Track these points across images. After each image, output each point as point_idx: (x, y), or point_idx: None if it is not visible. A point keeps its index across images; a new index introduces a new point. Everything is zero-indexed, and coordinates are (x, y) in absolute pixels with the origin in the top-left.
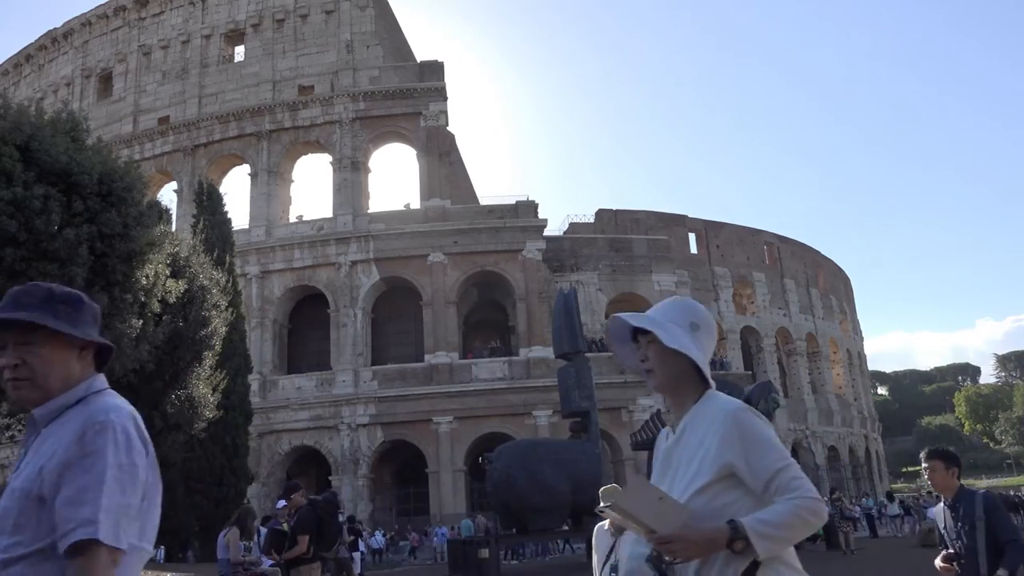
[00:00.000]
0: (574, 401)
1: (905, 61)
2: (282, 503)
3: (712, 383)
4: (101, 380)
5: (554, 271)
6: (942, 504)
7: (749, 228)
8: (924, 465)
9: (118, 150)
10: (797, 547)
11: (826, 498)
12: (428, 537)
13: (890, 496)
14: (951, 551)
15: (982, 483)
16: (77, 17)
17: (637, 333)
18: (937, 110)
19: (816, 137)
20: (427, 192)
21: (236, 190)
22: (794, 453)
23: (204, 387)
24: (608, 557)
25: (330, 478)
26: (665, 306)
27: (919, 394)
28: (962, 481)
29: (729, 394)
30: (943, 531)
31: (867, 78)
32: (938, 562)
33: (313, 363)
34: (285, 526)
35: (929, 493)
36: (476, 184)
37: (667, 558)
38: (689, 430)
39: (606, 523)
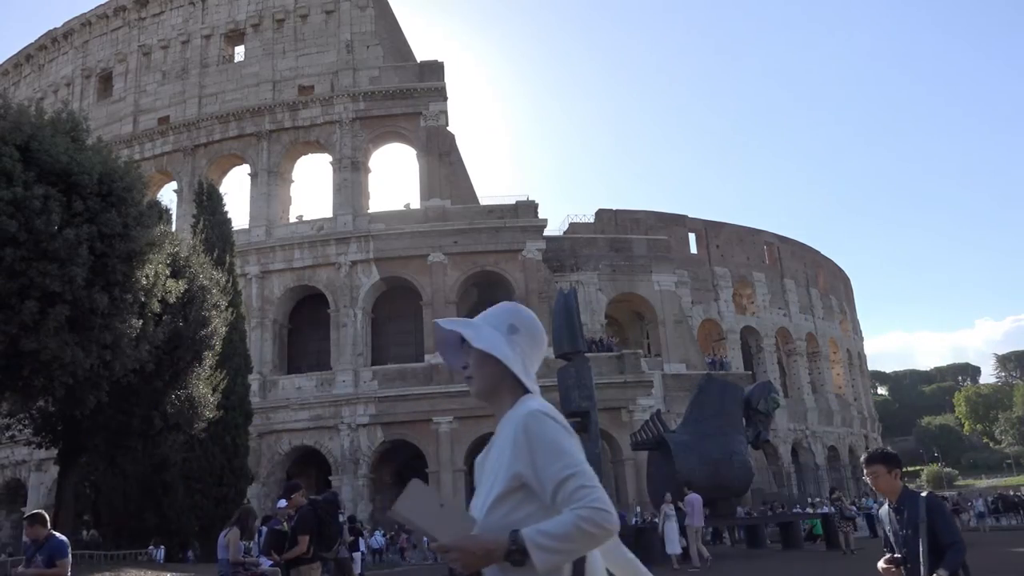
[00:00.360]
0: (574, 401)
1: (905, 63)
2: (283, 503)
3: (532, 388)
4: None
5: (554, 271)
6: (887, 507)
7: (749, 228)
8: (866, 472)
9: (118, 150)
10: (797, 547)
11: (819, 498)
12: (414, 537)
13: None
14: (896, 555)
15: (982, 483)
16: (77, 17)
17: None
18: (937, 111)
19: (816, 137)
20: (427, 192)
21: (236, 190)
22: (794, 453)
23: (204, 387)
24: None
25: (330, 478)
26: (490, 310)
27: (919, 394)
28: (941, 484)
29: (729, 394)
30: (888, 534)
31: (867, 79)
32: (881, 564)
33: (313, 363)
34: (285, 526)
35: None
36: (476, 184)
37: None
38: (497, 439)
39: None
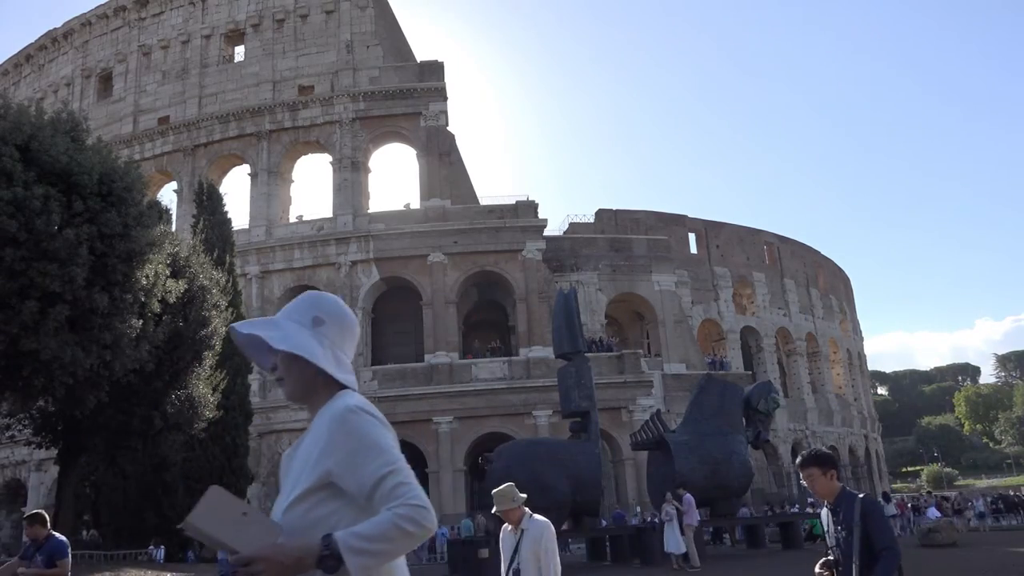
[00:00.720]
0: (574, 401)
1: (904, 63)
2: None
3: (347, 382)
4: None
5: (554, 271)
6: (826, 508)
7: (749, 228)
8: (801, 475)
9: (118, 150)
10: (797, 547)
11: (812, 499)
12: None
13: (886, 497)
14: (830, 558)
15: (982, 483)
16: (77, 17)
17: None
18: (936, 111)
19: (816, 138)
20: (427, 192)
21: (236, 190)
22: (794, 453)
23: (204, 387)
24: (512, 560)
25: None
26: (291, 304)
27: (919, 394)
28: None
29: (729, 394)
30: (827, 536)
31: (867, 79)
32: (817, 568)
33: None
34: None
35: (929, 493)
36: (476, 184)
37: None
38: (308, 435)
39: (509, 525)
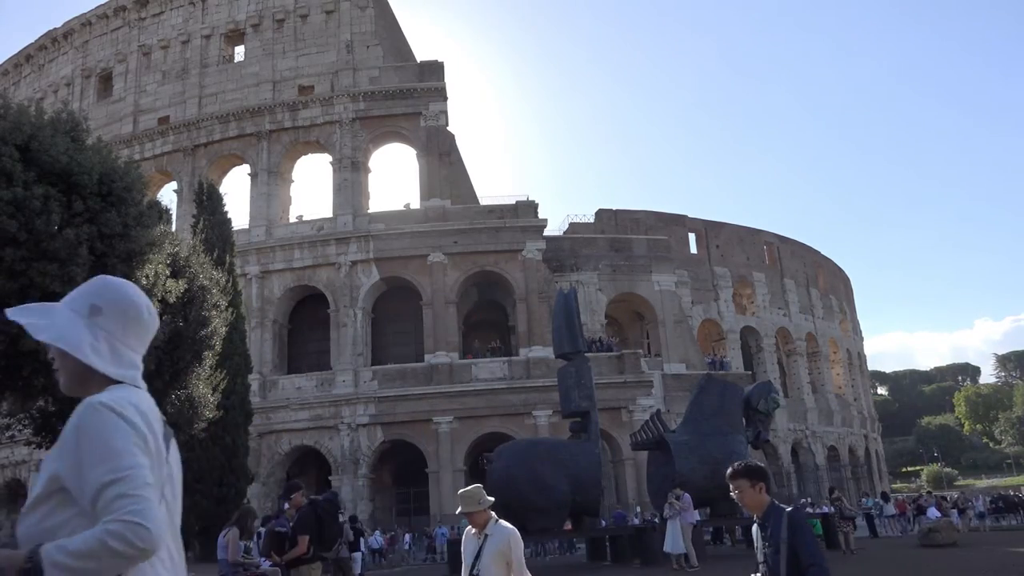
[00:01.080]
0: (574, 401)
1: (904, 64)
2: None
3: (125, 379)
4: None
5: (554, 271)
6: (755, 523)
7: (749, 228)
8: (731, 487)
9: (118, 150)
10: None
11: (805, 499)
12: (400, 541)
13: (885, 497)
14: (759, 574)
15: (982, 483)
16: (77, 17)
17: None
18: (935, 113)
19: (816, 138)
20: (427, 192)
21: (236, 190)
22: (794, 453)
23: (204, 387)
24: (473, 566)
25: (330, 478)
26: (76, 289)
27: (919, 394)
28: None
29: (729, 394)
30: (757, 551)
31: (867, 80)
32: None
33: (313, 363)
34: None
35: (929, 493)
36: (476, 184)
37: None
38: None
39: (472, 528)
